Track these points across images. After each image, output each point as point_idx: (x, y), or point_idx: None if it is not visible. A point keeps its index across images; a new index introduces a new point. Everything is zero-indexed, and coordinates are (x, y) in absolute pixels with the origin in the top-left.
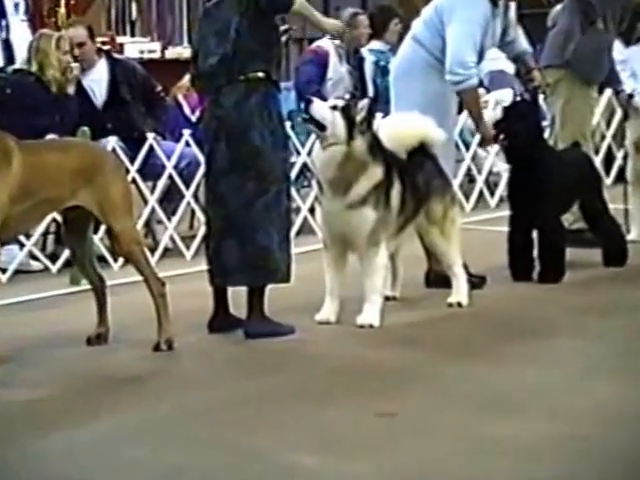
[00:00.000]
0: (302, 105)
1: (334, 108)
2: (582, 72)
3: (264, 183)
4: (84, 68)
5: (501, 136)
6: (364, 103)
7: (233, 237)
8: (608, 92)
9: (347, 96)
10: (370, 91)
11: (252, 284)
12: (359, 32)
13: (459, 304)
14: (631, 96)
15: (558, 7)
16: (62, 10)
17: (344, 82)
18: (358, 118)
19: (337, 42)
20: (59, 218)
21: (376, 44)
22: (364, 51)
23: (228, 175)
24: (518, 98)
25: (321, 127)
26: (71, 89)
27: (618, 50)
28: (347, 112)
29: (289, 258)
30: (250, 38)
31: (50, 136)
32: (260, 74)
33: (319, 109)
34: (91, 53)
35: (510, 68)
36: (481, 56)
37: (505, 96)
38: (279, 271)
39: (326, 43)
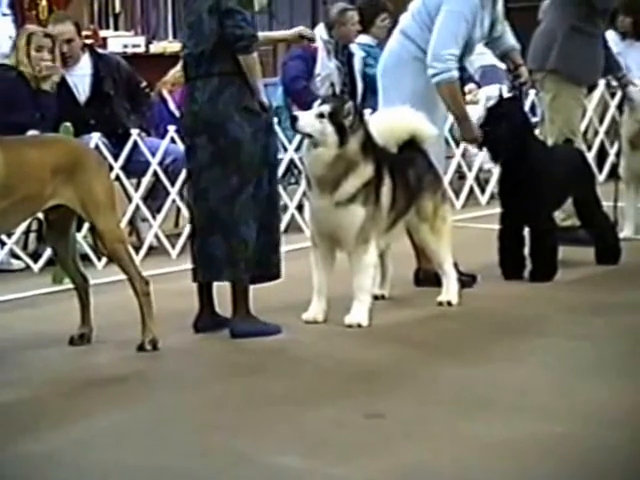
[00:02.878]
0: (289, 100)
1: (321, 116)
2: (569, 76)
3: (246, 175)
4: (69, 64)
5: (484, 145)
6: (349, 106)
7: (218, 232)
8: (601, 88)
9: (330, 91)
10: (359, 87)
11: (234, 279)
12: (347, 28)
13: (449, 303)
14: (625, 85)
15: (547, 0)
16: (43, 2)
17: (333, 78)
18: (347, 122)
19: (326, 37)
20: (41, 216)
21: (364, 38)
22: (353, 47)
23: (209, 169)
24: (505, 94)
25: (312, 136)
26: (47, 86)
27: (614, 42)
28: (335, 118)
29: (267, 251)
30: (221, 34)
31: (31, 132)
32: (233, 69)
33: (306, 124)
34: (78, 49)
35: (501, 63)
36: (470, 50)
37: (496, 92)
38: (253, 266)
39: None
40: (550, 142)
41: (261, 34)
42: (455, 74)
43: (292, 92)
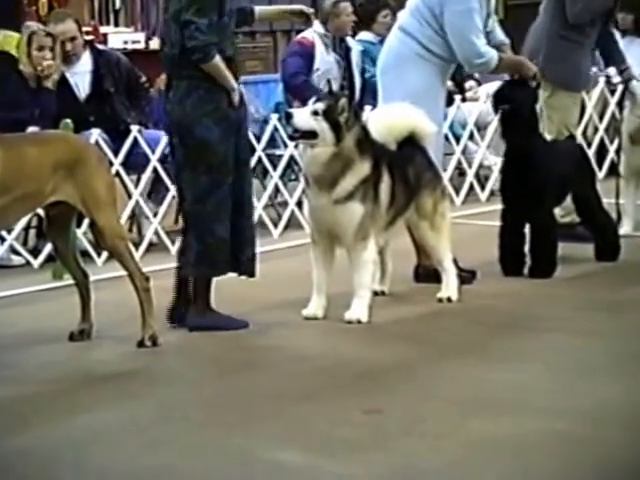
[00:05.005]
0: (289, 96)
1: (315, 113)
2: (558, 83)
3: (216, 175)
4: (72, 61)
5: (500, 105)
6: (343, 103)
7: (192, 231)
8: (600, 84)
9: (327, 87)
10: (357, 81)
11: (207, 276)
12: (341, 20)
13: (449, 299)
14: (628, 80)
15: None
16: None
17: (332, 72)
18: (342, 119)
19: (322, 31)
20: (41, 212)
21: (364, 35)
22: (350, 40)
23: (183, 170)
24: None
25: (309, 135)
26: (49, 83)
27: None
28: (330, 115)
29: (244, 247)
30: (183, 43)
31: (31, 129)
32: (200, 73)
33: (301, 120)
34: (80, 46)
35: None
36: None
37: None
38: (229, 263)
39: (311, 34)
40: (548, 138)
41: (260, 8)
42: (495, 55)
43: (292, 88)
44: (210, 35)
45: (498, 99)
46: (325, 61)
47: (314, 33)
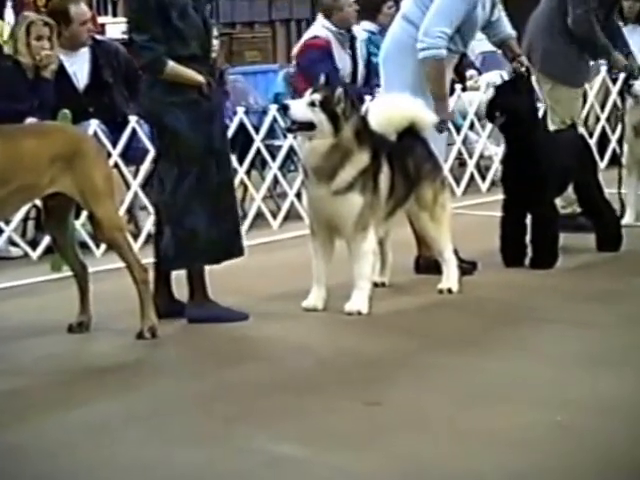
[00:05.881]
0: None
1: (312, 104)
2: (557, 78)
3: (185, 165)
4: (76, 47)
5: (497, 113)
6: (340, 93)
7: (167, 223)
8: (602, 73)
9: (322, 80)
10: (360, 70)
11: (185, 268)
12: (345, 12)
13: (449, 290)
14: (630, 85)
15: None
16: None
17: (347, 69)
18: (339, 110)
19: (333, 28)
20: (39, 203)
21: (366, 24)
22: (355, 28)
23: (159, 161)
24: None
25: (307, 127)
26: (47, 73)
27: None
28: (327, 106)
29: (226, 236)
30: None
31: (29, 120)
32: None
33: (298, 110)
34: (89, 33)
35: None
36: (473, 33)
37: (497, 78)
38: (209, 252)
39: (323, 31)
40: (552, 129)
41: None
42: (443, 52)
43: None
44: (155, 49)
45: (492, 108)
46: (342, 59)
47: (327, 31)
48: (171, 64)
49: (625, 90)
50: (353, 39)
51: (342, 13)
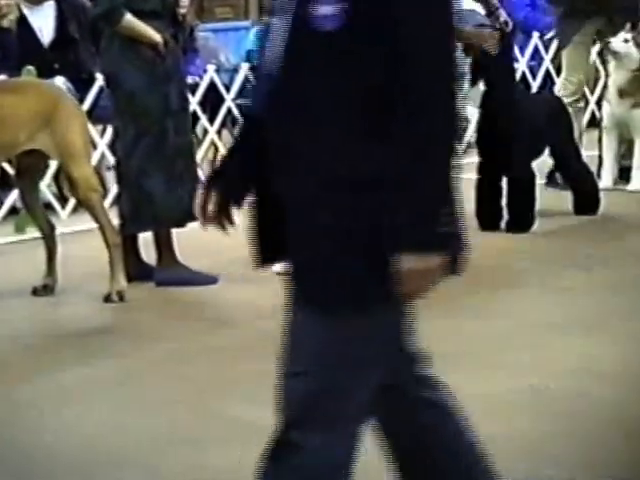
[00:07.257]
0: None
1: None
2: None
3: (141, 127)
4: (34, 2)
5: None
6: None
7: (124, 186)
8: None
9: None
10: None
11: (143, 231)
12: None
13: None
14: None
15: None
16: None
17: None
18: None
19: None
20: (5, 164)
21: None
22: None
23: (115, 121)
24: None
25: None
26: (7, 23)
27: None
28: None
29: (187, 199)
30: None
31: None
32: None
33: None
34: None
35: (479, 8)
36: None
37: None
38: (167, 217)
39: None
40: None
41: None
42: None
43: None
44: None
45: (473, 71)
46: None
47: None
48: (128, 17)
49: (604, 48)
50: None
51: None
